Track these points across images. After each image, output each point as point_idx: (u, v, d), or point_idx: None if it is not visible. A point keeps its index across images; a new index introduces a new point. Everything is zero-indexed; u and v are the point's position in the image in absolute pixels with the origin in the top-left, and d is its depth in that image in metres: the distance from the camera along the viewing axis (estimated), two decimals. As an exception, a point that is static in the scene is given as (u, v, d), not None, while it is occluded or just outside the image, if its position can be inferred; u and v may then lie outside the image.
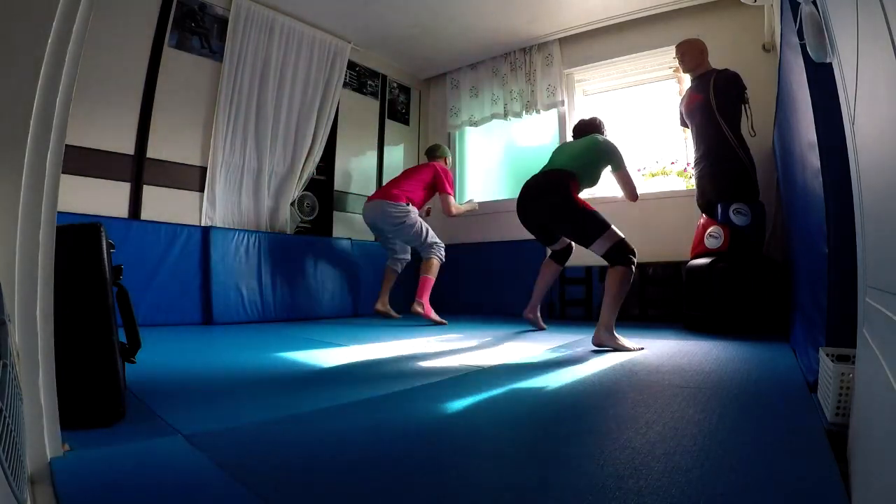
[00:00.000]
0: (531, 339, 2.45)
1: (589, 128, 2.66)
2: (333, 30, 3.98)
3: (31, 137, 0.69)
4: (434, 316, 3.26)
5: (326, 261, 3.79)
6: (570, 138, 4.15)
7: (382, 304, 3.54)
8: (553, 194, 2.25)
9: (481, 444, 0.93)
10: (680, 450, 0.85)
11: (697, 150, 2.90)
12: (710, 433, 0.94)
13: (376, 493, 0.70)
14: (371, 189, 4.49)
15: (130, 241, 2.76)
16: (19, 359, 0.68)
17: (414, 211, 3.32)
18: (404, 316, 3.67)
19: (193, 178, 3.25)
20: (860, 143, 0.66)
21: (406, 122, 4.87)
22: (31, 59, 0.68)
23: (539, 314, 2.96)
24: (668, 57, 3.56)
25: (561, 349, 2.12)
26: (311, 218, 3.95)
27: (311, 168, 3.88)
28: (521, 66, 4.28)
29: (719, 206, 2.73)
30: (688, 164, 3.55)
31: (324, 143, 3.95)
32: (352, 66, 4.27)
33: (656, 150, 3.82)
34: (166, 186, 3.10)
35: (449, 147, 4.93)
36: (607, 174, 2.56)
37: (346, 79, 4.18)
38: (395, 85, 4.76)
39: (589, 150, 2.44)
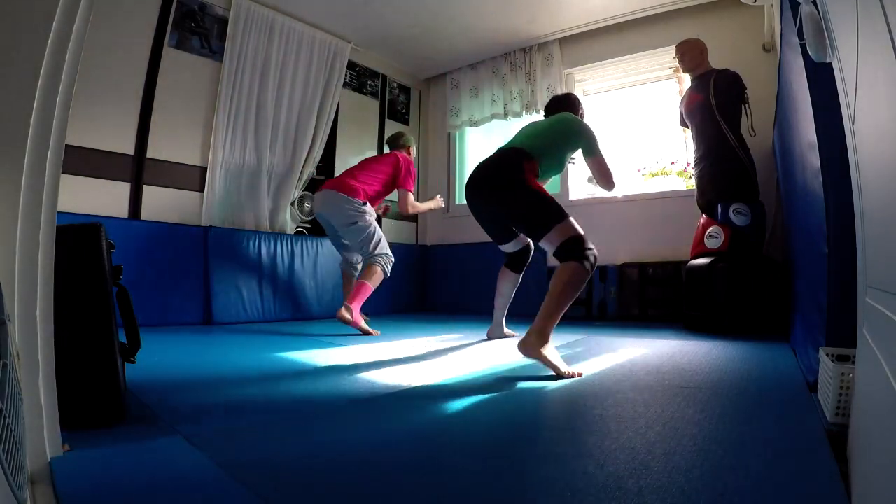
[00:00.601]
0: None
1: (561, 104, 2.28)
2: (333, 30, 3.98)
3: (31, 137, 0.69)
4: (363, 325, 2.76)
5: (326, 261, 3.79)
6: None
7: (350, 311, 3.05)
8: (501, 175, 1.86)
9: (481, 443, 0.93)
10: (680, 450, 0.85)
11: (697, 150, 2.90)
12: (710, 433, 0.94)
13: (376, 493, 0.70)
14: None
15: (130, 241, 2.76)
16: (19, 359, 0.68)
17: (371, 213, 2.88)
18: (331, 321, 3.25)
19: (193, 178, 3.25)
20: (860, 143, 0.66)
21: (406, 122, 4.87)
22: (31, 59, 0.68)
23: (505, 327, 2.65)
24: (668, 57, 3.56)
25: (561, 349, 2.12)
26: (310, 218, 3.95)
27: (310, 168, 3.88)
28: (521, 66, 4.28)
29: (719, 206, 2.73)
30: (688, 164, 3.55)
31: (324, 143, 3.95)
32: (352, 66, 4.27)
33: (656, 150, 3.82)
34: (166, 186, 3.10)
35: (449, 147, 4.94)
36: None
37: (346, 79, 4.18)
38: (395, 85, 4.76)
39: (554, 128, 2.05)
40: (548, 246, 1.71)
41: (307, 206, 3.90)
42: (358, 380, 1.49)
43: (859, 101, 0.62)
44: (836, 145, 1.05)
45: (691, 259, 2.86)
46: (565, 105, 2.26)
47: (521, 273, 2.52)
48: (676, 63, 3.12)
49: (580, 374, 1.52)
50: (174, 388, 1.37)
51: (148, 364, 1.69)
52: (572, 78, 4.15)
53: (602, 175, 2.12)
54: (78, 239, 1.00)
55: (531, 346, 1.57)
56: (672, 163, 3.71)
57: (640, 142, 3.90)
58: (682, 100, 3.06)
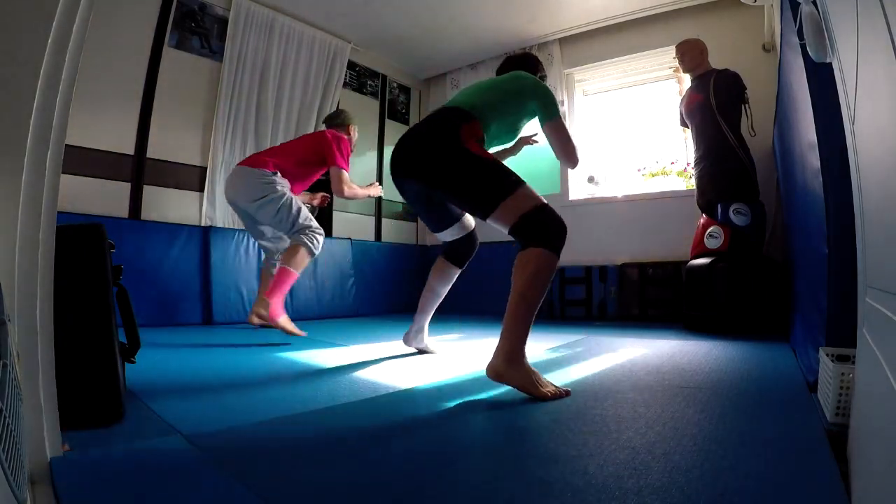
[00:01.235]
0: (531, 339, 2.44)
1: (516, 63, 1.88)
2: (333, 30, 3.98)
3: (31, 137, 0.69)
4: (287, 324, 2.33)
5: (326, 261, 3.79)
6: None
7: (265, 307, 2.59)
8: (431, 142, 1.44)
9: (481, 443, 0.93)
10: (680, 450, 0.85)
11: (697, 150, 2.90)
12: (710, 433, 0.94)
13: (376, 493, 0.70)
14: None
15: (130, 241, 2.76)
16: (19, 359, 0.68)
17: (283, 183, 2.44)
18: (242, 327, 2.95)
19: (193, 178, 3.25)
20: (860, 143, 0.66)
21: (406, 122, 4.87)
22: (31, 59, 0.68)
23: (428, 335, 2.05)
24: (668, 57, 3.56)
25: (561, 349, 2.12)
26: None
27: (311, 168, 3.87)
28: (521, 66, 4.28)
29: (719, 206, 2.73)
30: (688, 164, 3.55)
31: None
32: (352, 66, 4.27)
33: (656, 150, 3.82)
34: (166, 186, 3.10)
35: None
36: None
37: (346, 79, 4.18)
38: (395, 85, 4.76)
39: (502, 85, 1.63)
40: (500, 225, 1.36)
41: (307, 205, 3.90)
42: (358, 380, 1.49)
43: (859, 101, 0.62)
44: (836, 145, 1.05)
45: (691, 259, 2.86)
46: (521, 65, 1.85)
47: (462, 267, 2.02)
48: (676, 63, 3.13)
49: (568, 393, 1.24)
50: (174, 388, 1.37)
51: (148, 364, 1.69)
52: (572, 78, 4.15)
53: (562, 146, 1.65)
54: (78, 239, 1.00)
55: (503, 371, 1.22)
56: (672, 163, 3.72)
57: (640, 142, 3.90)
58: (682, 100, 3.06)
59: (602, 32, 3.91)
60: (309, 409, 1.16)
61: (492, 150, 1.82)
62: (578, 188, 4.07)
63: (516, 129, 1.67)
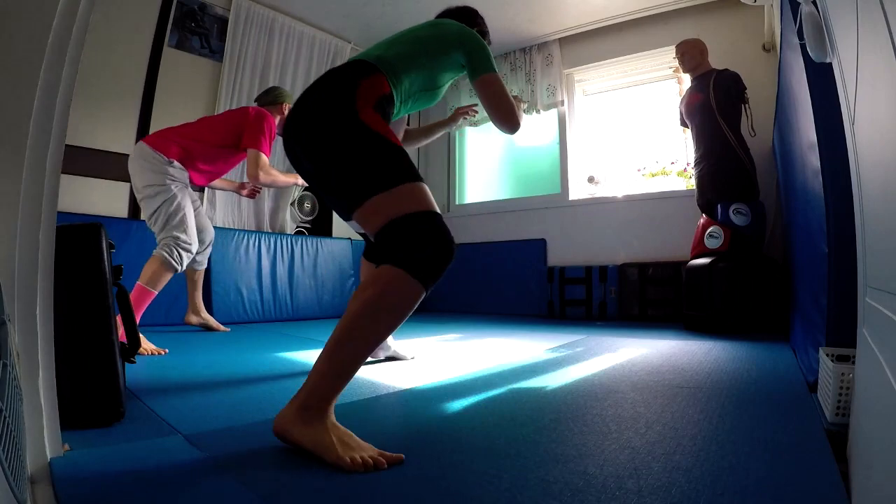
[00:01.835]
0: (531, 339, 2.45)
1: (451, 16, 1.62)
2: (333, 30, 3.98)
3: (31, 137, 0.69)
4: (150, 345, 1.94)
5: (326, 261, 3.79)
6: (570, 139, 4.21)
7: (195, 314, 2.57)
8: (317, 97, 1.08)
9: (481, 443, 0.93)
10: (680, 450, 0.85)
11: (697, 150, 2.90)
12: (710, 433, 0.94)
13: (376, 492, 0.70)
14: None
15: (130, 241, 2.76)
16: (19, 359, 0.68)
17: (177, 176, 2.15)
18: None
19: (193, 178, 3.25)
20: (860, 143, 0.66)
21: (406, 121, 4.86)
22: (31, 59, 0.68)
23: (393, 343, 1.83)
24: (668, 57, 3.56)
25: (561, 349, 2.12)
26: (310, 218, 3.95)
27: (310, 168, 3.87)
28: (521, 66, 4.28)
29: (719, 206, 2.73)
30: (688, 164, 3.55)
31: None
32: (352, 66, 4.27)
33: (656, 150, 3.82)
34: (166, 186, 3.10)
35: (449, 147, 4.93)
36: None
37: (346, 79, 4.17)
38: (395, 85, 4.75)
39: (417, 34, 1.30)
40: (368, 223, 0.99)
41: (307, 206, 3.90)
42: (358, 380, 1.49)
43: (859, 101, 0.62)
44: (836, 145, 1.05)
45: (691, 259, 2.86)
46: (456, 16, 1.60)
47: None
48: (676, 63, 3.13)
49: (397, 461, 0.82)
50: (174, 389, 1.37)
51: (148, 364, 1.69)
52: (572, 78, 4.15)
53: (495, 105, 1.28)
54: (78, 239, 1.00)
55: (289, 425, 0.86)
56: (672, 163, 3.72)
57: (640, 142, 3.90)
58: (682, 100, 3.06)
59: (602, 32, 3.91)
60: (309, 409, 1.16)
61: (423, 125, 1.78)
62: (578, 188, 4.07)
63: (436, 87, 1.31)
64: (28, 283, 0.70)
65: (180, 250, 2.13)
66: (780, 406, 1.17)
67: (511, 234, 4.26)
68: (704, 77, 2.86)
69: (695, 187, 3.01)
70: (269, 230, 3.62)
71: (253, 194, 2.70)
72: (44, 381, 0.72)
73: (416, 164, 4.81)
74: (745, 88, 2.78)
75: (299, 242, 3.66)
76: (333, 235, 4.07)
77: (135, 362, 1.15)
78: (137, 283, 2.05)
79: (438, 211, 0.99)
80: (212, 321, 2.63)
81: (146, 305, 2.09)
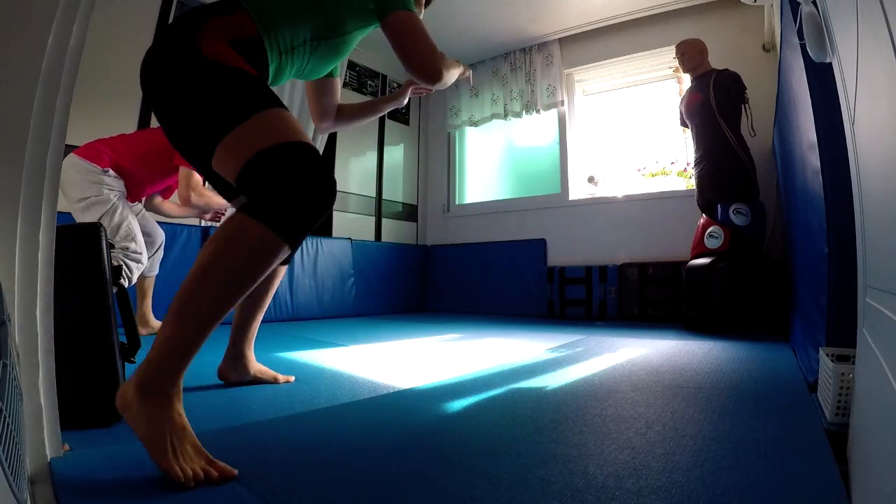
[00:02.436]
0: (531, 339, 2.45)
1: None
2: (333, 30, 3.97)
3: (31, 137, 0.69)
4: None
5: (326, 261, 3.79)
6: (570, 139, 4.21)
7: (143, 325, 2.34)
8: (158, 43, 0.91)
9: (481, 443, 0.93)
10: (680, 450, 0.85)
11: (697, 150, 2.90)
12: (710, 433, 0.94)
13: (376, 493, 0.70)
14: (370, 189, 4.49)
15: (130, 241, 2.75)
16: (19, 359, 0.68)
17: (114, 186, 2.05)
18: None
19: (193, 178, 3.24)
20: (860, 143, 0.66)
21: (406, 122, 4.87)
22: (31, 59, 0.68)
23: (253, 364, 1.41)
24: (668, 57, 3.56)
25: (561, 349, 2.12)
26: (311, 218, 3.95)
27: (310, 168, 3.87)
28: (521, 65, 4.28)
29: (719, 206, 2.73)
30: (688, 164, 3.56)
31: (324, 144, 3.94)
32: (352, 66, 4.27)
33: (656, 150, 3.82)
34: (166, 186, 3.10)
35: (449, 147, 4.93)
36: None
37: (345, 78, 4.18)
38: (396, 85, 4.75)
39: None
40: (225, 165, 0.82)
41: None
42: (358, 380, 1.49)
43: (859, 101, 0.62)
44: (836, 145, 1.05)
45: (691, 259, 2.86)
46: None
47: (286, 262, 1.29)
48: (676, 63, 3.13)
49: (215, 476, 0.71)
50: (174, 388, 1.37)
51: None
52: (572, 78, 4.16)
53: (409, 48, 1.02)
54: (78, 239, 1.00)
55: (128, 402, 0.73)
56: (672, 163, 3.72)
57: (640, 142, 3.90)
58: (682, 100, 3.06)
59: (602, 32, 3.92)
60: (309, 409, 1.16)
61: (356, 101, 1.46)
62: (578, 188, 4.07)
63: (338, 35, 1.03)
64: (28, 283, 0.70)
65: (130, 262, 2.05)
66: (780, 406, 1.17)
67: (511, 234, 4.26)
68: (704, 77, 2.86)
69: (695, 187, 3.01)
70: (269, 230, 3.62)
71: (217, 218, 2.43)
72: (44, 381, 0.72)
73: (416, 165, 4.78)
74: (745, 88, 2.78)
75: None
76: (333, 235, 4.07)
77: (135, 362, 1.15)
78: None
79: (307, 140, 0.80)
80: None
81: None
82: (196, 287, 0.74)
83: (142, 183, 2.17)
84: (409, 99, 1.47)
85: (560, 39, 4.09)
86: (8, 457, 0.45)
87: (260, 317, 1.38)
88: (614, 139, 4.06)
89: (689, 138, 3.07)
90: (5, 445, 0.44)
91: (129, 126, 2.92)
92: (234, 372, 1.38)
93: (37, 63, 0.68)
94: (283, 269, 1.38)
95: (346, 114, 1.40)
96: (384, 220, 4.57)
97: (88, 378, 0.98)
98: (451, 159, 4.92)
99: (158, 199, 2.46)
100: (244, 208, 0.76)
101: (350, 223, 4.24)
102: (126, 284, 1.96)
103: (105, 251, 1.04)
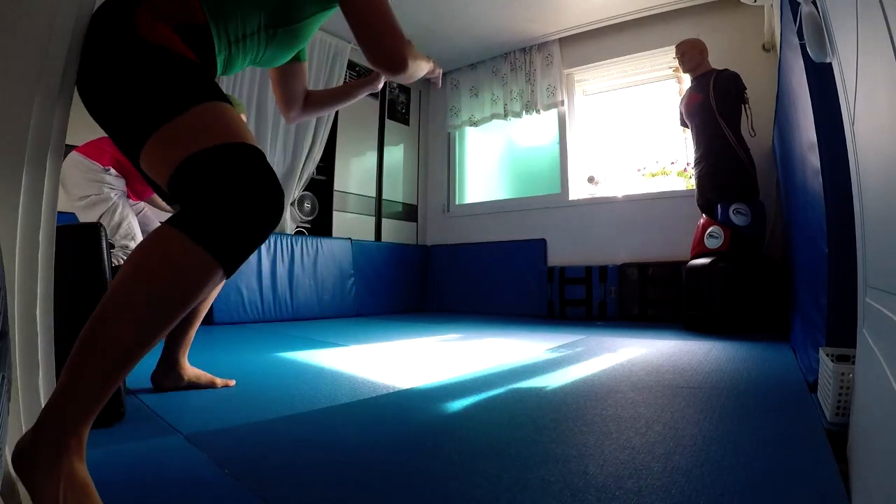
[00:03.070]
0: (531, 339, 2.45)
1: None
2: (333, 30, 3.98)
3: (31, 137, 0.69)
4: None
5: (326, 261, 3.79)
6: (570, 139, 4.21)
7: None
8: (91, 28, 0.73)
9: (481, 443, 0.93)
10: (680, 450, 0.85)
11: (697, 150, 2.90)
12: (710, 433, 0.94)
13: (376, 493, 0.70)
14: (370, 189, 4.49)
15: (130, 241, 2.75)
16: (17, 367, 0.68)
17: (115, 184, 2.09)
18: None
19: (193, 178, 3.24)
20: (860, 143, 0.66)
21: (406, 122, 4.87)
22: (31, 59, 0.68)
23: (188, 370, 1.39)
24: (668, 57, 3.56)
25: (561, 349, 2.12)
26: (311, 218, 3.95)
27: (311, 168, 3.88)
28: (521, 66, 4.28)
29: (719, 206, 2.73)
30: (688, 164, 3.56)
31: (324, 143, 3.95)
32: (352, 66, 4.27)
33: (656, 150, 3.82)
34: (166, 186, 3.10)
35: (449, 147, 4.93)
36: None
37: (346, 78, 4.17)
38: (395, 85, 4.76)
39: None
40: (157, 179, 0.71)
41: (307, 206, 3.90)
42: (358, 380, 1.49)
43: (859, 101, 0.62)
44: (836, 145, 1.05)
45: (691, 259, 2.86)
46: None
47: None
48: (676, 63, 3.13)
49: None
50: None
51: (148, 364, 1.69)
52: (572, 78, 4.16)
53: (372, 33, 0.86)
54: (78, 239, 1.00)
55: (23, 461, 0.57)
56: (672, 163, 3.72)
57: (640, 142, 3.90)
58: (682, 100, 3.06)
59: (602, 32, 3.91)
60: (309, 409, 1.16)
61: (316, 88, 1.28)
62: (578, 188, 4.07)
63: (295, 21, 0.91)
64: (28, 283, 0.70)
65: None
66: (780, 406, 1.17)
67: (511, 234, 4.26)
68: (704, 77, 2.86)
69: (695, 187, 3.01)
70: (269, 230, 3.62)
71: None
72: (44, 381, 0.72)
73: (416, 165, 4.79)
74: (745, 88, 2.78)
75: (299, 242, 3.66)
76: (333, 235, 4.07)
77: (135, 362, 1.15)
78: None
79: (250, 141, 0.68)
80: None
81: None
82: (110, 311, 0.60)
83: (143, 180, 2.19)
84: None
85: (560, 39, 4.09)
86: None
87: (195, 327, 1.32)
88: (614, 139, 4.06)
89: (689, 138, 3.07)
90: None
91: (129, 126, 2.91)
92: (168, 380, 1.34)
93: (37, 63, 0.68)
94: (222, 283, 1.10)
95: (316, 100, 1.26)
96: (384, 220, 4.57)
97: (88, 378, 0.98)
98: (451, 159, 4.92)
99: (156, 196, 2.46)
100: (173, 219, 0.63)
101: (350, 223, 4.24)
102: None
103: (105, 251, 1.04)
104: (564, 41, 4.10)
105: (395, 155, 4.74)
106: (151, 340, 0.62)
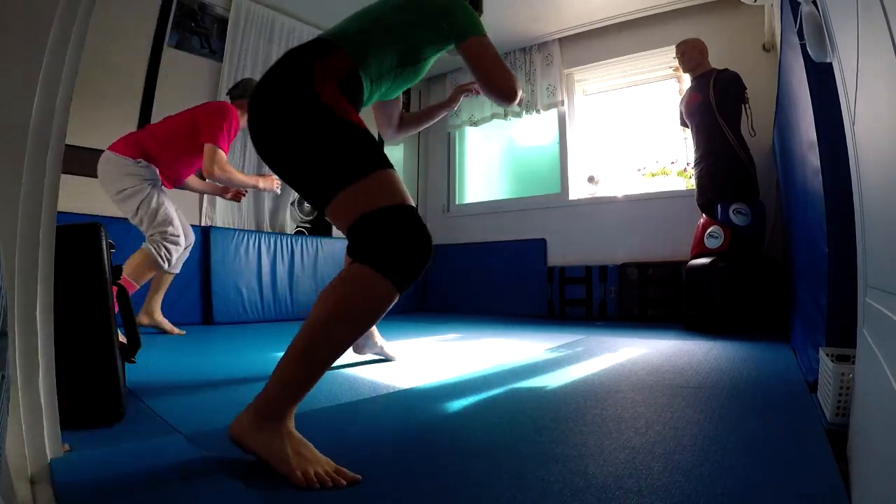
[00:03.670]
0: (531, 339, 2.45)
1: None
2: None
3: (31, 137, 0.69)
4: (165, 324, 2.38)
5: (326, 261, 3.79)
6: (570, 139, 4.21)
7: (147, 315, 2.38)
8: (269, 85, 0.96)
9: (481, 443, 0.93)
10: (680, 450, 0.85)
11: (697, 150, 2.90)
12: (710, 433, 0.94)
13: (375, 492, 0.70)
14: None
15: (130, 241, 2.75)
16: (16, 366, 0.68)
17: (147, 175, 2.18)
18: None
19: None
20: (860, 142, 0.66)
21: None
22: (31, 58, 0.68)
23: (380, 341, 1.82)
24: (668, 57, 3.56)
25: (561, 349, 2.12)
26: (311, 218, 3.95)
27: (311, 168, 3.87)
28: (521, 65, 4.28)
29: (719, 205, 2.73)
30: (688, 164, 3.55)
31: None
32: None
33: (656, 150, 3.82)
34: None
35: (449, 147, 4.93)
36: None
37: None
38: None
39: (392, 2, 1.13)
40: (338, 218, 0.90)
41: (307, 205, 3.90)
42: (358, 380, 1.49)
43: (859, 101, 0.62)
44: (836, 145, 1.05)
45: (691, 259, 2.86)
46: None
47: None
48: (676, 63, 3.13)
49: (342, 483, 0.73)
50: (174, 388, 1.37)
51: (148, 364, 1.69)
52: (572, 78, 4.15)
53: (487, 72, 1.10)
54: (78, 239, 1.00)
55: (244, 431, 0.80)
56: (672, 163, 3.72)
57: (640, 142, 3.90)
58: (682, 100, 3.06)
59: (602, 32, 3.91)
60: (309, 409, 1.16)
61: (422, 109, 1.60)
62: (578, 188, 4.07)
63: (417, 62, 1.12)
64: (28, 283, 0.70)
65: (168, 245, 2.17)
66: (781, 406, 1.17)
67: (511, 234, 4.26)
68: (704, 77, 2.86)
69: (695, 187, 3.01)
70: (269, 230, 3.62)
71: (238, 197, 2.59)
72: (44, 381, 0.72)
73: (416, 165, 4.80)
74: (745, 88, 2.78)
75: (299, 242, 3.66)
76: (333, 235, 4.07)
77: (135, 362, 1.15)
78: (123, 274, 1.93)
79: (412, 203, 0.89)
80: (166, 324, 2.44)
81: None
82: (326, 332, 0.83)
83: (172, 166, 2.26)
84: (410, 98, 1.67)
85: (560, 39, 4.09)
86: None
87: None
88: (614, 139, 4.06)
89: (689, 138, 3.07)
90: None
91: (130, 125, 2.92)
92: (365, 347, 1.77)
93: (37, 63, 0.68)
94: None
95: (408, 122, 1.58)
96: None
97: (88, 378, 0.98)
98: (451, 159, 4.92)
99: (189, 180, 2.55)
100: (362, 260, 0.83)
101: (350, 223, 4.23)
102: (165, 266, 2.19)
103: (105, 251, 1.03)
104: (564, 41, 4.10)
105: (395, 155, 4.74)
106: (342, 353, 0.87)
